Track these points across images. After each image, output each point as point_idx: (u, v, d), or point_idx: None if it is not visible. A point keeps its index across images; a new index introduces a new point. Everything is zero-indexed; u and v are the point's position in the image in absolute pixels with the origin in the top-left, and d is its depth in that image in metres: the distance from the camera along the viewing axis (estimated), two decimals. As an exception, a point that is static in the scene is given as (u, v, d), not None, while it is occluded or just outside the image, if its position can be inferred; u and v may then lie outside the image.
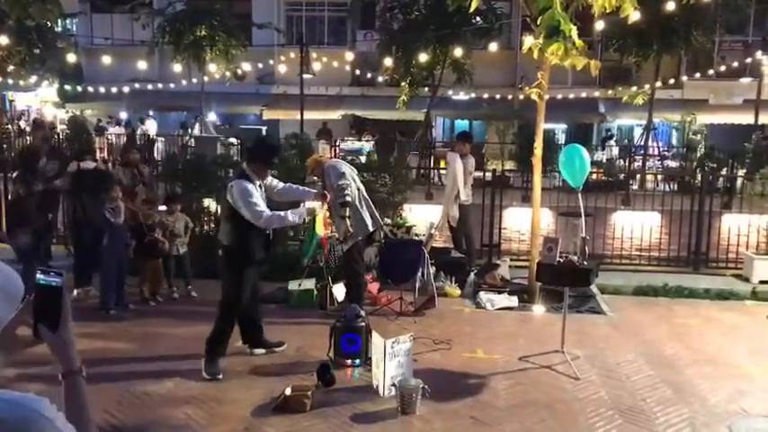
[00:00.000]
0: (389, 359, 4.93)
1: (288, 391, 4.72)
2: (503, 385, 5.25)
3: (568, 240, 7.89)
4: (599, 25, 6.96)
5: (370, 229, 6.65)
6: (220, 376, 5.24)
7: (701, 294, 8.25)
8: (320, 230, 5.42)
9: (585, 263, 5.69)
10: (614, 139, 23.05)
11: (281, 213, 5.33)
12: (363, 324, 5.61)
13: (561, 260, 5.71)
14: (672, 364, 5.87)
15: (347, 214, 6.35)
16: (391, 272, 7.39)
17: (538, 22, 6.64)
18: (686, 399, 5.08)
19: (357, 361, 5.50)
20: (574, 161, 5.91)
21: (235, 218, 5.31)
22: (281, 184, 5.82)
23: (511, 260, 8.96)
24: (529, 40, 6.83)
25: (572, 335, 6.32)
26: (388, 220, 7.36)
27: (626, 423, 4.63)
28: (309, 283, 7.40)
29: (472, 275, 8.35)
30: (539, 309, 7.40)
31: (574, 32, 6.44)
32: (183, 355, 5.75)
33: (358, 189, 6.63)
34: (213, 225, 9.00)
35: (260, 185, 5.46)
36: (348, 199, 6.34)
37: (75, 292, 7.29)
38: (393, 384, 4.87)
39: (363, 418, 4.61)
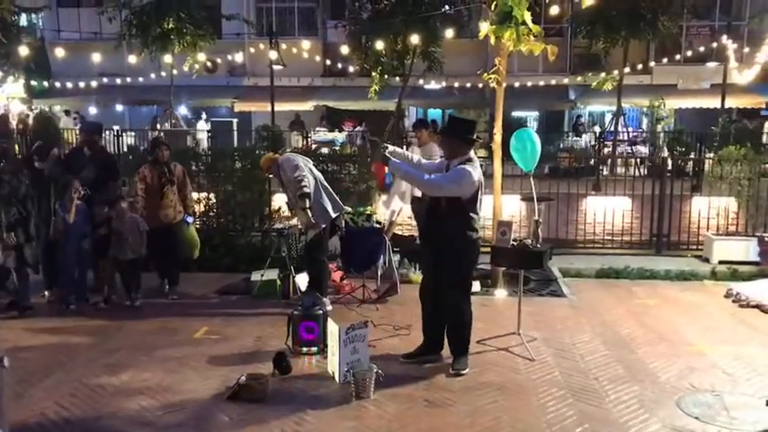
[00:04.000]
0: (344, 345, 4.96)
1: (242, 380, 4.73)
2: (458, 368, 5.29)
3: (531, 225, 7.95)
4: (554, 10, 7.00)
5: (333, 215, 6.66)
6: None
7: (661, 275, 8.39)
8: None
9: (539, 246, 5.75)
10: (587, 125, 23.21)
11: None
12: (321, 312, 5.63)
13: (515, 243, 5.77)
14: (627, 343, 5.96)
15: (308, 205, 6.37)
16: (352, 260, 7.41)
17: (492, 8, 6.68)
18: (637, 377, 5.17)
19: (315, 348, 5.52)
20: (525, 145, 5.96)
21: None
22: None
23: (476, 246, 9.00)
24: (485, 27, 6.87)
25: (531, 317, 6.41)
26: (349, 209, 7.35)
27: (576, 402, 4.69)
28: (272, 274, 7.40)
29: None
30: (501, 293, 7.47)
31: (527, 18, 6.48)
32: (139, 348, 5.74)
33: (315, 178, 6.63)
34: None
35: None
36: (306, 190, 6.37)
37: (46, 293, 7.20)
38: (348, 371, 4.90)
39: (317, 403, 4.63)
